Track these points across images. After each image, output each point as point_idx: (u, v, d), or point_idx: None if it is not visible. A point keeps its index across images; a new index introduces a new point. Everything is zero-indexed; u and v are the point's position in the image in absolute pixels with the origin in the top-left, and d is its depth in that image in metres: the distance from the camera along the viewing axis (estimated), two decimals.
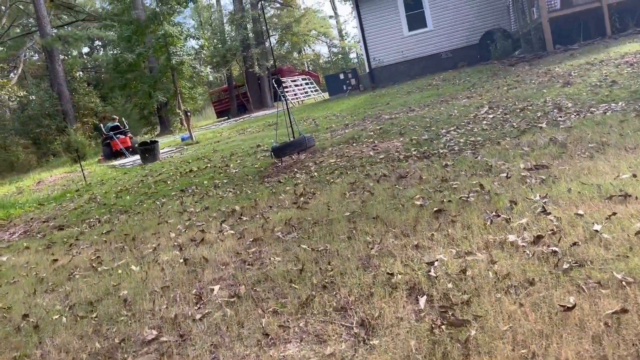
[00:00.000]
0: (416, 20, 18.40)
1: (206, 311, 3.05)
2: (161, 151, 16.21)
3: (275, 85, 26.06)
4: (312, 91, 29.94)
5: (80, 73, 34.99)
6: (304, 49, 47.19)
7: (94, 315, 3.40)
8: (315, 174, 6.43)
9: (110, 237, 5.73)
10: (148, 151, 13.59)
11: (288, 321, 2.70)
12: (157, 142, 14.61)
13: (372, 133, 8.42)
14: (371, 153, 6.88)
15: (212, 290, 3.34)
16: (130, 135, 18.16)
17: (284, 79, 28.94)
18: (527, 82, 9.70)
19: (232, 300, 3.13)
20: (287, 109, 7.92)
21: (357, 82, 20.70)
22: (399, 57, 18.40)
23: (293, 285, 3.12)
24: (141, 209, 7.22)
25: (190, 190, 7.65)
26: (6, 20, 36.13)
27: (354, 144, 7.94)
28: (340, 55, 57.84)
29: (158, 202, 7.38)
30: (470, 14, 17.98)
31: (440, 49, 18.39)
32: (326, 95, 31.82)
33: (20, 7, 35.41)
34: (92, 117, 27.54)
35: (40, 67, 40.48)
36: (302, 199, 5.28)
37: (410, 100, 11.76)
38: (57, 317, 3.50)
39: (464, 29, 18.07)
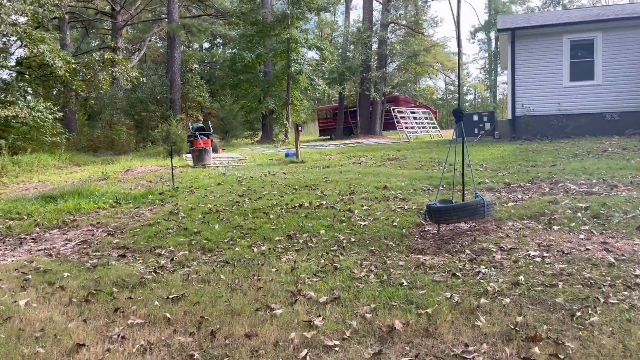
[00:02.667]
0: (582, 70, 15.37)
1: None
2: (260, 163, 14.40)
3: (396, 113, 23.91)
4: (430, 127, 27.36)
5: (196, 66, 34.83)
6: (421, 82, 44.72)
7: None
8: (521, 278, 3.89)
9: (176, 311, 3.57)
10: (199, 151, 14.67)
11: None
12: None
13: (571, 211, 5.76)
14: (608, 257, 4.23)
15: None
16: (212, 138, 18.90)
17: (401, 109, 26.63)
18: None
19: None
20: (464, 149, 5.49)
21: (492, 128, 17.89)
22: (553, 109, 15.42)
23: None
24: (231, 255, 5.10)
25: (301, 241, 5.42)
26: (140, 2, 36.98)
27: (552, 226, 5.33)
28: (456, 94, 54.85)
29: (256, 250, 5.21)
30: None
31: (605, 108, 15.20)
32: (446, 134, 29.22)
33: None
34: (198, 111, 26.71)
35: (161, 54, 41.22)
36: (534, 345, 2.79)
37: (589, 167, 8.92)
38: None
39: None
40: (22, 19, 16.22)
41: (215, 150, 17.74)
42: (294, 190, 8.67)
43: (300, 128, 14.95)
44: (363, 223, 5.93)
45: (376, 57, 30.57)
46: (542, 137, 15.10)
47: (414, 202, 6.87)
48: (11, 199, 9.92)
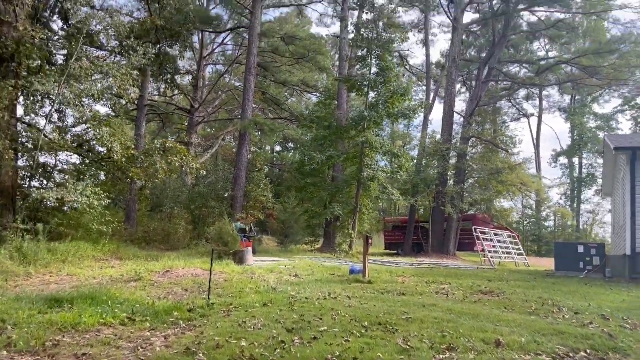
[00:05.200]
0: None
1: None
2: (319, 279, 12.07)
3: (478, 233, 21.15)
4: (515, 252, 24.19)
5: (265, 167, 34.10)
6: (495, 202, 41.71)
7: None
8: None
9: None
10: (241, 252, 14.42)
11: None
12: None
13: None
14: None
15: None
16: (252, 241, 18.79)
17: (483, 229, 23.82)
18: None
19: None
20: None
21: (602, 264, 14.77)
22: None
23: None
24: None
25: None
26: (218, 102, 37.70)
27: None
28: (532, 219, 51.04)
29: None
30: None
31: None
32: (531, 261, 25.82)
33: (236, 97, 36.70)
34: (259, 211, 25.15)
35: (233, 153, 41.32)
36: None
37: None
38: None
39: None
40: (103, 110, 15.93)
41: (254, 253, 17.40)
42: (363, 330, 6.21)
43: (370, 240, 12.65)
44: None
45: (454, 171, 28.44)
46: None
47: None
48: (16, 296, 8.11)
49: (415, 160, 29.54)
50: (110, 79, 15.86)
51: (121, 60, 17.71)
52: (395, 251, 30.39)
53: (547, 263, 26.20)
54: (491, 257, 21.53)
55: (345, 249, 22.83)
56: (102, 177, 18.34)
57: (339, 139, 24.85)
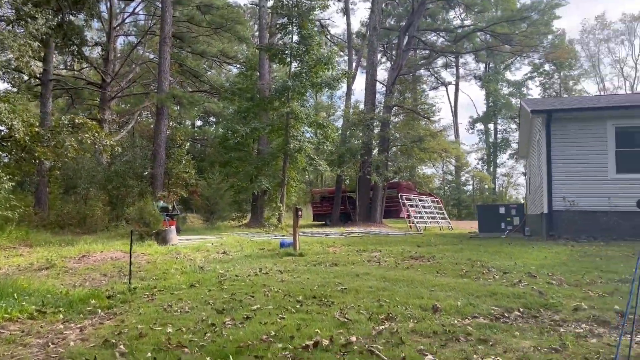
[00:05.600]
0: (631, 160, 13.23)
1: None
2: (249, 254, 11.70)
3: (404, 200, 21.49)
4: (440, 217, 24.90)
5: (187, 144, 32.81)
6: (421, 169, 42.92)
7: None
8: None
9: None
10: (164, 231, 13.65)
11: None
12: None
13: None
14: None
15: None
16: (176, 219, 18.11)
17: (409, 195, 24.29)
18: None
19: None
20: None
21: (522, 223, 15.42)
22: (603, 204, 13.06)
23: None
24: None
25: None
26: (132, 75, 35.59)
27: None
28: (453, 184, 53.15)
29: None
30: None
31: None
32: (456, 225, 26.66)
33: (152, 70, 34.80)
34: (182, 188, 24.15)
35: (151, 130, 39.41)
36: None
37: None
38: None
39: None
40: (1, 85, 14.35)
41: (178, 232, 16.88)
42: (298, 305, 5.94)
43: (300, 212, 12.38)
44: None
45: (378, 141, 28.71)
46: (589, 238, 12.61)
47: (504, 348, 4.15)
48: None
49: (340, 131, 29.50)
50: (8, 51, 14.33)
51: (18, 29, 16.06)
52: (323, 222, 30.49)
53: (469, 226, 27.31)
54: (417, 223, 22.03)
55: (275, 222, 22.50)
56: (6, 159, 16.77)
57: (263, 110, 24.22)
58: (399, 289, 6.76)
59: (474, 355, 3.89)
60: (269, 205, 24.20)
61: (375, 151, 28.95)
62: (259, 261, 10.60)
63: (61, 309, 6.22)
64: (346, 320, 5.10)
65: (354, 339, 4.42)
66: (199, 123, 51.08)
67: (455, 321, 5.05)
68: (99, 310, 6.18)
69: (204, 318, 5.46)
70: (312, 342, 4.31)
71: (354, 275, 8.03)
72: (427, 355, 3.93)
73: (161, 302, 6.47)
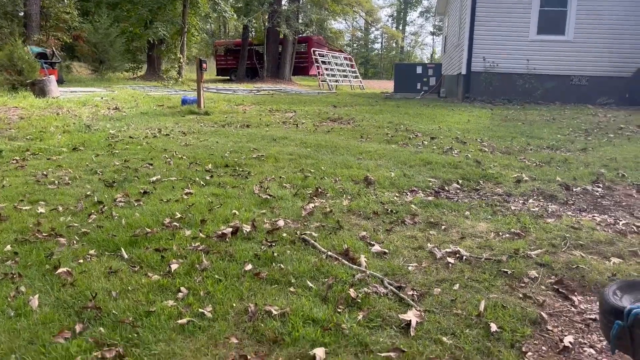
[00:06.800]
0: (551, 20, 12.82)
1: None
2: (145, 112, 10.28)
3: (317, 56, 20.20)
4: (352, 76, 24.03)
5: None
6: (330, 22, 40.93)
7: None
8: None
9: None
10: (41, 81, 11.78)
11: None
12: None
13: None
14: None
15: None
16: (57, 68, 16.69)
17: (322, 51, 22.94)
18: None
19: None
20: None
21: (438, 84, 14.98)
22: (521, 67, 12.78)
23: None
24: None
25: None
26: None
27: None
28: (362, 42, 51.96)
29: None
30: (629, 32, 12.57)
31: (573, 70, 12.90)
32: (367, 85, 25.93)
33: None
34: (63, 33, 20.90)
35: None
36: None
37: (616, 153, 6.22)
38: None
39: (615, 51, 12.64)
40: None
41: (60, 82, 15.64)
42: (207, 177, 4.98)
43: (204, 65, 10.84)
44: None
45: None
46: (504, 101, 12.48)
47: (460, 233, 3.53)
48: None
49: None
50: None
51: None
52: (228, 77, 28.60)
53: (378, 85, 26.93)
54: (330, 82, 21.10)
55: (174, 76, 20.41)
56: None
57: None
58: (323, 156, 5.96)
59: (428, 244, 3.23)
60: (167, 56, 21.84)
61: (285, 0, 26.59)
62: (158, 120, 9.30)
63: None
64: (268, 197, 4.24)
65: (281, 222, 3.59)
66: None
67: (393, 196, 4.38)
68: None
69: (88, 193, 4.35)
70: (230, 228, 3.42)
71: (271, 140, 7.11)
72: (373, 245, 3.21)
73: (34, 171, 5.21)
